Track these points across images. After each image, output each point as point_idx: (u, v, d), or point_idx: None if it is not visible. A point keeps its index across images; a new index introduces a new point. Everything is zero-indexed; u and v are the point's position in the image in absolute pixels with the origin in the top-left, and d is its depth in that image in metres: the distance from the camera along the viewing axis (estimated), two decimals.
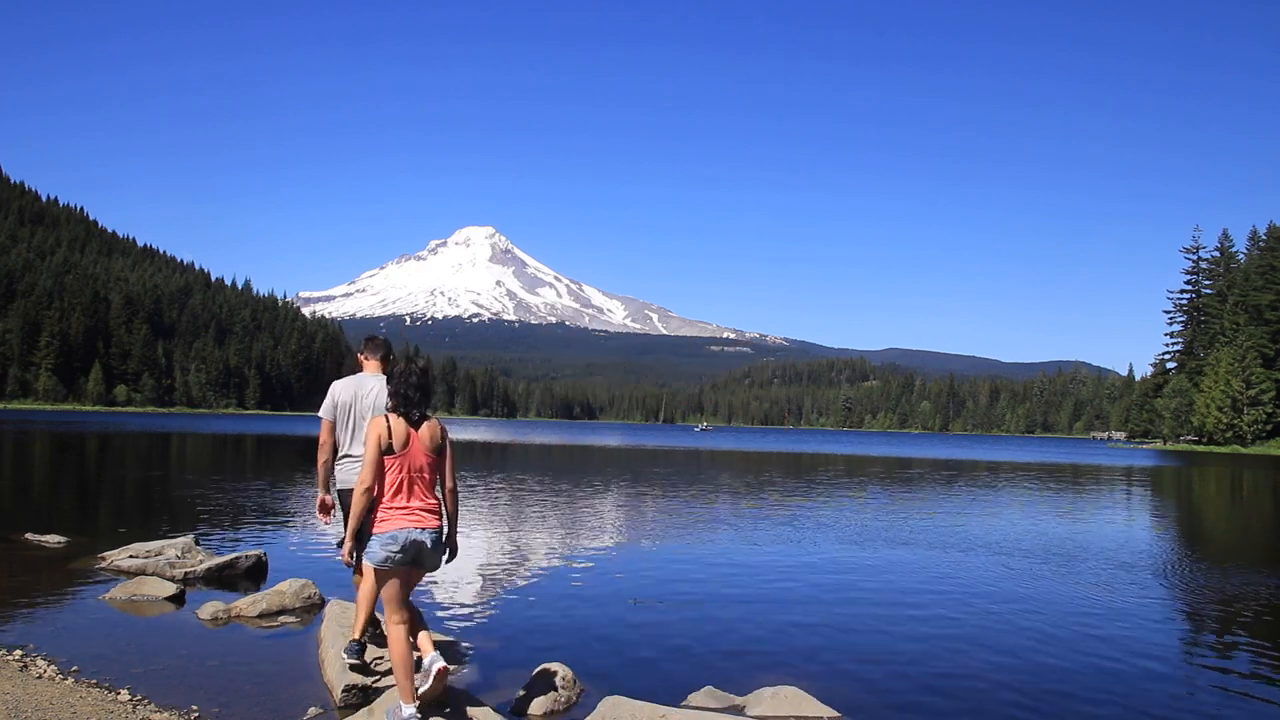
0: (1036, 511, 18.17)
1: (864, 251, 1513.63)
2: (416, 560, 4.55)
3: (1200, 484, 32.12)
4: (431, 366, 5.02)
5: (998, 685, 5.76)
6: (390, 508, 4.50)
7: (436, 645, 4.72)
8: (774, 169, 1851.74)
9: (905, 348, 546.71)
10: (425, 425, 4.61)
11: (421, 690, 4.46)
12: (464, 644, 6.21)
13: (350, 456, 5.52)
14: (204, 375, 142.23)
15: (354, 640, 5.26)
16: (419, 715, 4.40)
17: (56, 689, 4.83)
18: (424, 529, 4.48)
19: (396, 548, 4.43)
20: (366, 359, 5.80)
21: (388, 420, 4.56)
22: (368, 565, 4.68)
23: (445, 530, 4.64)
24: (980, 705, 5.38)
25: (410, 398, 4.58)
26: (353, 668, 5.20)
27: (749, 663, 6.10)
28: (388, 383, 4.71)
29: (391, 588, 4.54)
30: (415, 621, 4.71)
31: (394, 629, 4.51)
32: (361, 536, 4.61)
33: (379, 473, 4.50)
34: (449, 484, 4.67)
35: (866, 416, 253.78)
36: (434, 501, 4.59)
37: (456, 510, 4.74)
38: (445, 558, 4.71)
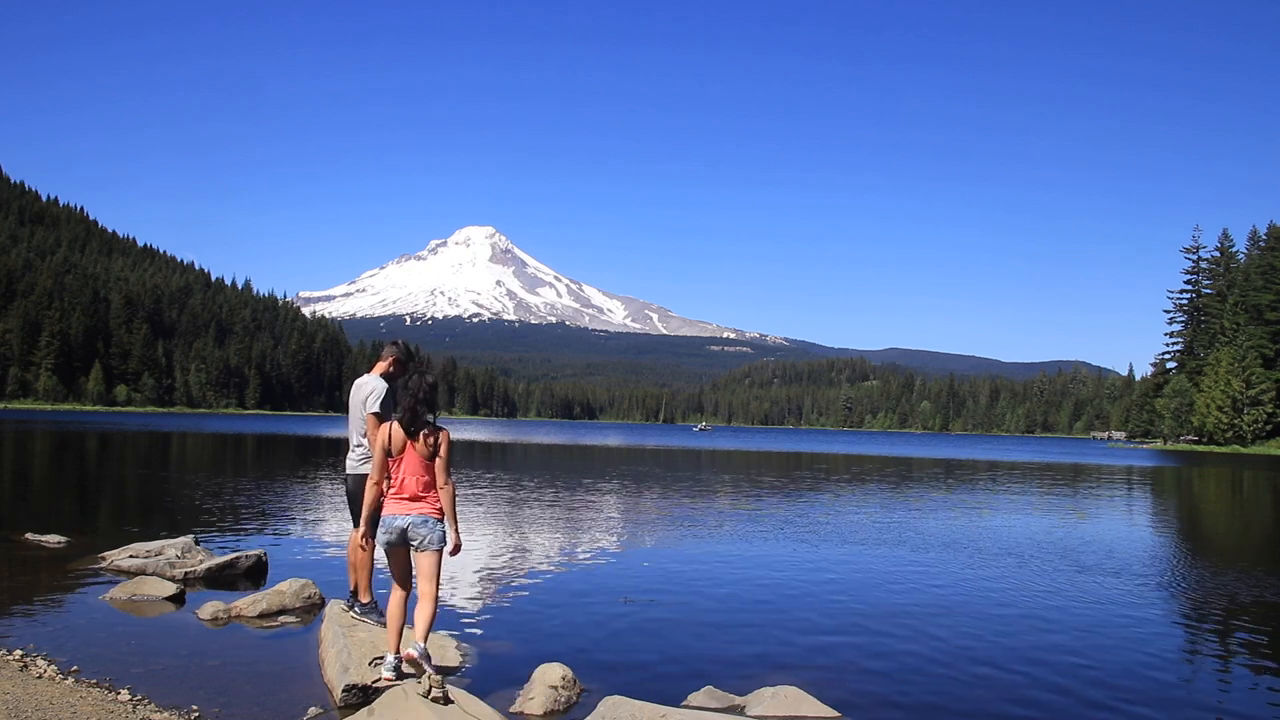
0: (1036, 512, 18.18)
1: (864, 251, 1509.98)
2: (405, 540, 5.14)
3: (1200, 484, 32.12)
4: (438, 378, 5.79)
5: (998, 685, 5.77)
6: (387, 499, 5.22)
7: (433, 641, 4.95)
8: (774, 169, 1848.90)
9: (905, 348, 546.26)
10: (422, 436, 5.15)
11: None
12: (464, 644, 6.22)
13: (355, 446, 6.34)
14: (204, 375, 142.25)
15: (351, 591, 6.33)
16: (396, 659, 5.00)
17: (57, 689, 4.83)
18: (408, 514, 5.12)
19: (385, 530, 5.17)
20: (377, 362, 6.57)
21: (391, 427, 5.19)
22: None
23: (435, 517, 5.13)
24: (981, 705, 5.39)
25: (416, 412, 5.18)
26: (350, 605, 6.30)
27: (749, 662, 6.10)
28: (400, 390, 5.31)
29: (395, 566, 5.26)
30: (424, 613, 5.10)
31: (395, 597, 5.22)
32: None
33: (384, 470, 5.21)
34: (440, 482, 5.17)
35: (866, 416, 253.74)
36: (426, 494, 5.16)
37: (452, 506, 5.19)
38: (448, 550, 5.15)
